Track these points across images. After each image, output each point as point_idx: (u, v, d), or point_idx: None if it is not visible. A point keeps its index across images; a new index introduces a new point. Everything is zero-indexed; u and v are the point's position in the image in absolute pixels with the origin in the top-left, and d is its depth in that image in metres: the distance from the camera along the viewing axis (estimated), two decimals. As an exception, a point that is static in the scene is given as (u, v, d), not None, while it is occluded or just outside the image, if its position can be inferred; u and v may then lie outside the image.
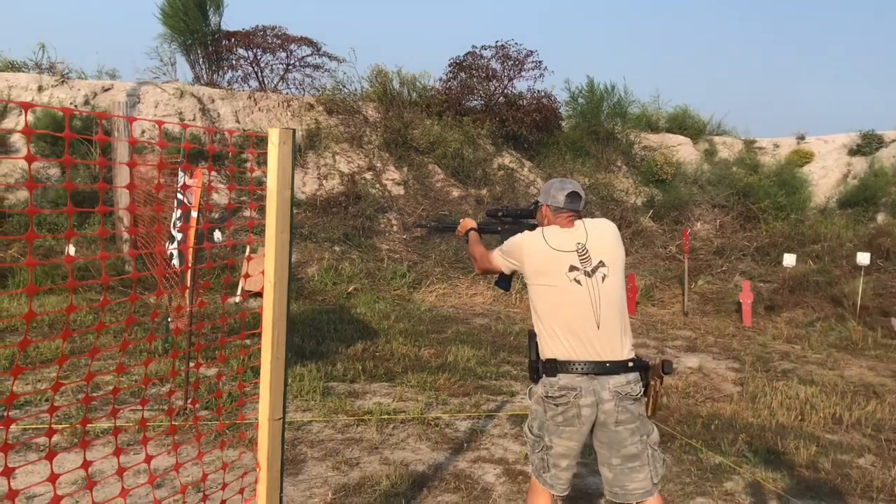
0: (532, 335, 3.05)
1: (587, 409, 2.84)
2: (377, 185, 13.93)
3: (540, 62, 16.20)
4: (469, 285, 11.79)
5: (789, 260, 11.60)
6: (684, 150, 18.11)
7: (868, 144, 17.56)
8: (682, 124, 19.06)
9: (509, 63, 16.13)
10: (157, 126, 12.40)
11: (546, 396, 2.91)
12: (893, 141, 17.29)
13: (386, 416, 5.48)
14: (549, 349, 2.93)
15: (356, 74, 23.36)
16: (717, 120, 19.93)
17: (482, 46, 16.14)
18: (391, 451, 4.82)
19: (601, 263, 2.93)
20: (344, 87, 15.90)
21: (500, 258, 3.19)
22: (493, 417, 5.69)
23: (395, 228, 13.27)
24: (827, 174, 17.58)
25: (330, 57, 16.36)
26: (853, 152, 17.74)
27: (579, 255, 2.94)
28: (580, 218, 3.09)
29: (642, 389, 2.92)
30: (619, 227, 3.16)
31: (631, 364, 2.90)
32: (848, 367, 8.18)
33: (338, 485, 4.22)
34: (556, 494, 3.00)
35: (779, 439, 5.41)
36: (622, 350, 2.90)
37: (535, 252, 3.01)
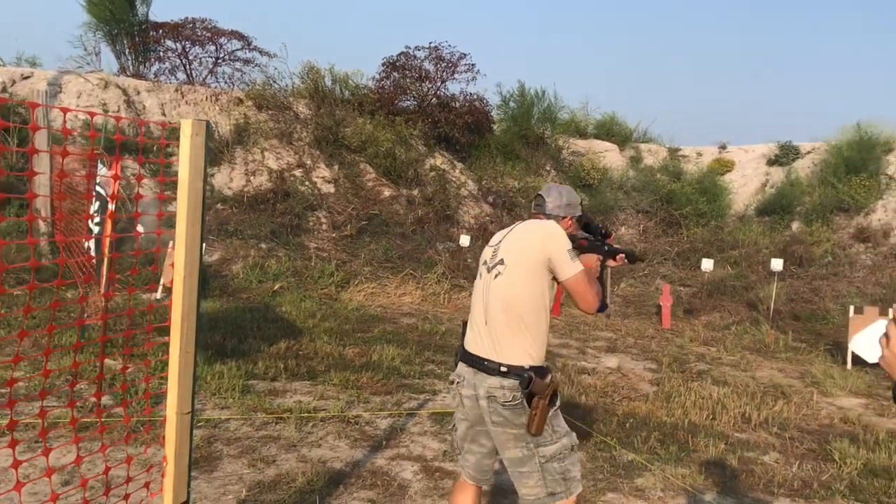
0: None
1: (468, 399, 2.93)
2: (307, 183, 13.80)
3: (473, 65, 16.33)
4: (398, 285, 11.79)
5: (707, 265, 11.99)
6: (611, 157, 18.48)
7: (785, 155, 18.24)
8: (610, 131, 19.47)
9: (442, 64, 16.19)
10: (77, 116, 12.07)
11: (449, 380, 3.08)
12: (809, 152, 17.99)
13: (305, 415, 5.45)
14: None
15: (287, 70, 23.21)
16: (643, 128, 20.46)
17: (416, 47, 16.19)
18: (309, 449, 4.80)
19: (501, 261, 2.94)
20: (274, 82, 15.70)
21: None
22: (414, 415, 5.72)
23: (324, 227, 13.16)
24: (746, 183, 18.18)
25: (261, 52, 16.15)
26: (771, 162, 18.40)
27: (492, 251, 3.03)
28: (542, 218, 3.12)
29: (522, 399, 2.76)
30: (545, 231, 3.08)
31: (504, 369, 2.80)
32: (759, 369, 8.50)
33: (252, 482, 4.18)
34: (464, 479, 3.10)
35: (690, 437, 5.59)
36: (504, 352, 2.82)
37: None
